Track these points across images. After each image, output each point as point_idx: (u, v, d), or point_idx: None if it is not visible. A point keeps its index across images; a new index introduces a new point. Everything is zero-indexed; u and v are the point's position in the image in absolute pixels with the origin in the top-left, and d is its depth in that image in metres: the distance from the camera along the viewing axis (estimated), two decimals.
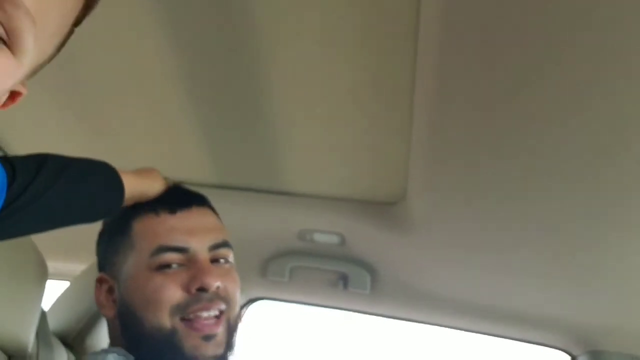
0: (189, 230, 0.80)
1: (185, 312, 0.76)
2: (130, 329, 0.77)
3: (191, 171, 1.06)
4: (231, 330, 0.81)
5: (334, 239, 1.02)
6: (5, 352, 0.72)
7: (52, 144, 0.75)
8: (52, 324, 0.94)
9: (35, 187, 0.63)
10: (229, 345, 0.80)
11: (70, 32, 0.38)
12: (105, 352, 0.76)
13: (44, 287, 0.77)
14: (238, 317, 0.84)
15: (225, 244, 0.84)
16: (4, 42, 0.30)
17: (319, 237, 1.03)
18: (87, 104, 0.93)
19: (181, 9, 0.73)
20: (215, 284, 0.77)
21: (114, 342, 0.82)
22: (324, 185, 0.95)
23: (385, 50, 0.73)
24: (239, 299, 0.83)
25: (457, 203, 0.85)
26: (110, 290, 0.81)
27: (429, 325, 1.09)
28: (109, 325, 0.84)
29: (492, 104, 0.62)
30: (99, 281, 0.83)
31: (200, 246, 0.80)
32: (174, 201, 0.83)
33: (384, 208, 0.93)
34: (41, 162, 0.66)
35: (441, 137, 0.71)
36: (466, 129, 0.67)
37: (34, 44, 0.31)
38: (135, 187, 0.81)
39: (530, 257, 0.91)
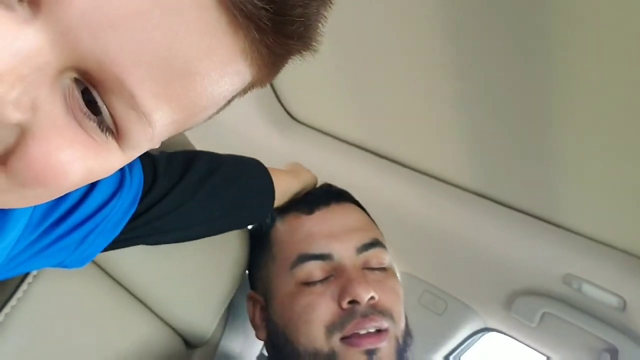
0: (330, 233, 0.68)
1: (342, 330, 0.63)
2: (282, 354, 0.67)
3: (454, 172, 0.94)
4: (400, 350, 0.66)
5: (611, 300, 0.78)
6: (182, 336, 0.70)
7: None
8: None
9: (178, 192, 0.53)
10: None
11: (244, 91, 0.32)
12: None
13: (237, 282, 0.72)
14: (408, 335, 0.68)
15: (376, 244, 0.69)
16: (112, 134, 0.28)
17: (590, 291, 0.80)
18: (359, 85, 0.90)
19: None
20: (367, 295, 0.63)
21: None
22: (612, 232, 0.72)
23: None
24: (402, 312, 0.68)
25: None
26: (262, 310, 0.72)
27: None
28: (266, 347, 0.75)
29: None
30: (250, 300, 0.74)
31: (345, 250, 0.67)
32: (310, 199, 0.72)
33: None
34: (189, 162, 0.56)
35: None
36: None
37: (164, 129, 0.29)
38: (288, 187, 0.71)
39: None
